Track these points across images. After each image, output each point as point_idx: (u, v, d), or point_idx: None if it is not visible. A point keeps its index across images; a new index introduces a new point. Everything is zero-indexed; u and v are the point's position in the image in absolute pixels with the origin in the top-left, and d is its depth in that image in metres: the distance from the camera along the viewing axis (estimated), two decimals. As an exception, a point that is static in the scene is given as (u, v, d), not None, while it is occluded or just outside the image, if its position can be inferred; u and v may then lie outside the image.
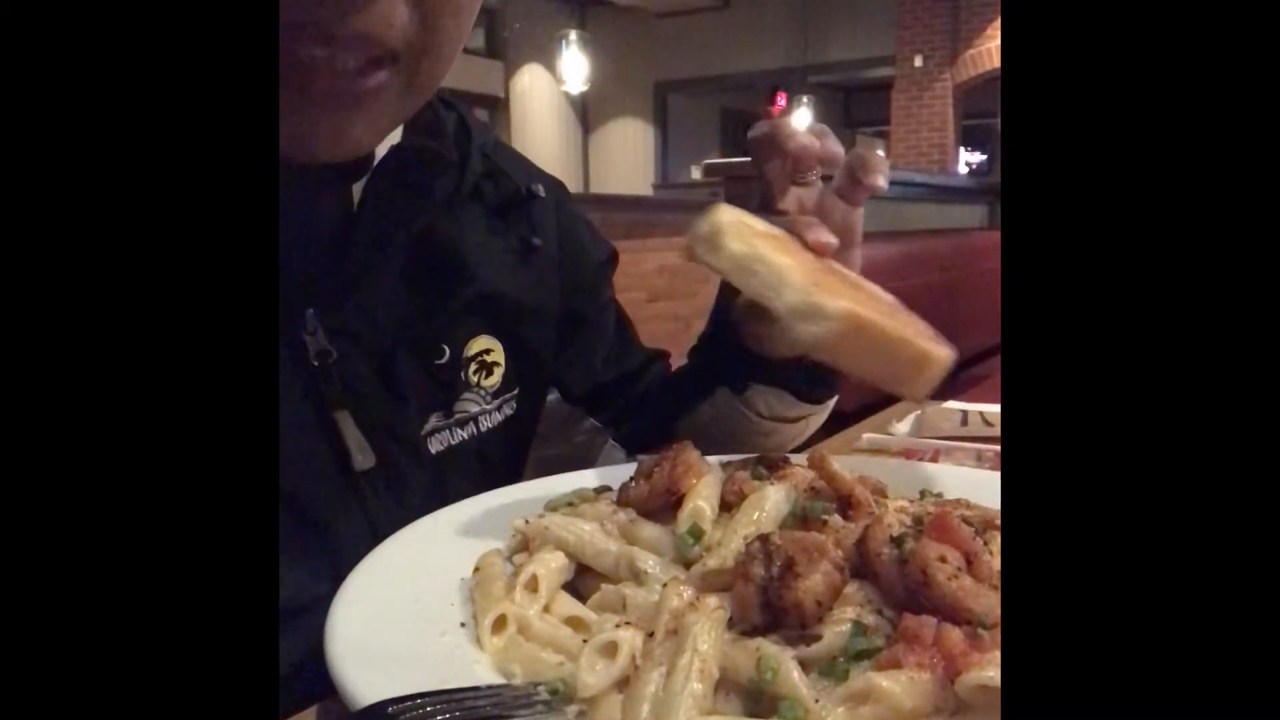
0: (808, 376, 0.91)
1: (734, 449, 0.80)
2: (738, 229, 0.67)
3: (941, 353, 0.69)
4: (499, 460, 0.90)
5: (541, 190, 0.97)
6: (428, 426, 0.84)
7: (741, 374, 0.91)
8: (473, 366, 0.88)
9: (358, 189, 0.78)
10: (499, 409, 0.90)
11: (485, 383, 0.89)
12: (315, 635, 0.54)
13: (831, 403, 0.98)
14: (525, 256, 0.94)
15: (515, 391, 0.92)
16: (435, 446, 0.84)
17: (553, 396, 1.01)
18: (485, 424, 0.89)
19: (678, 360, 1.07)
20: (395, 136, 0.80)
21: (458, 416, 0.87)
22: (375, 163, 0.77)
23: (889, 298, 0.76)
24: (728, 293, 0.88)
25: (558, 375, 1.01)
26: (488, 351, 0.89)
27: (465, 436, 0.87)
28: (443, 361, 0.85)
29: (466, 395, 0.87)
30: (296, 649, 0.55)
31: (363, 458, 0.77)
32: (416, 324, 0.83)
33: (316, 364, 0.75)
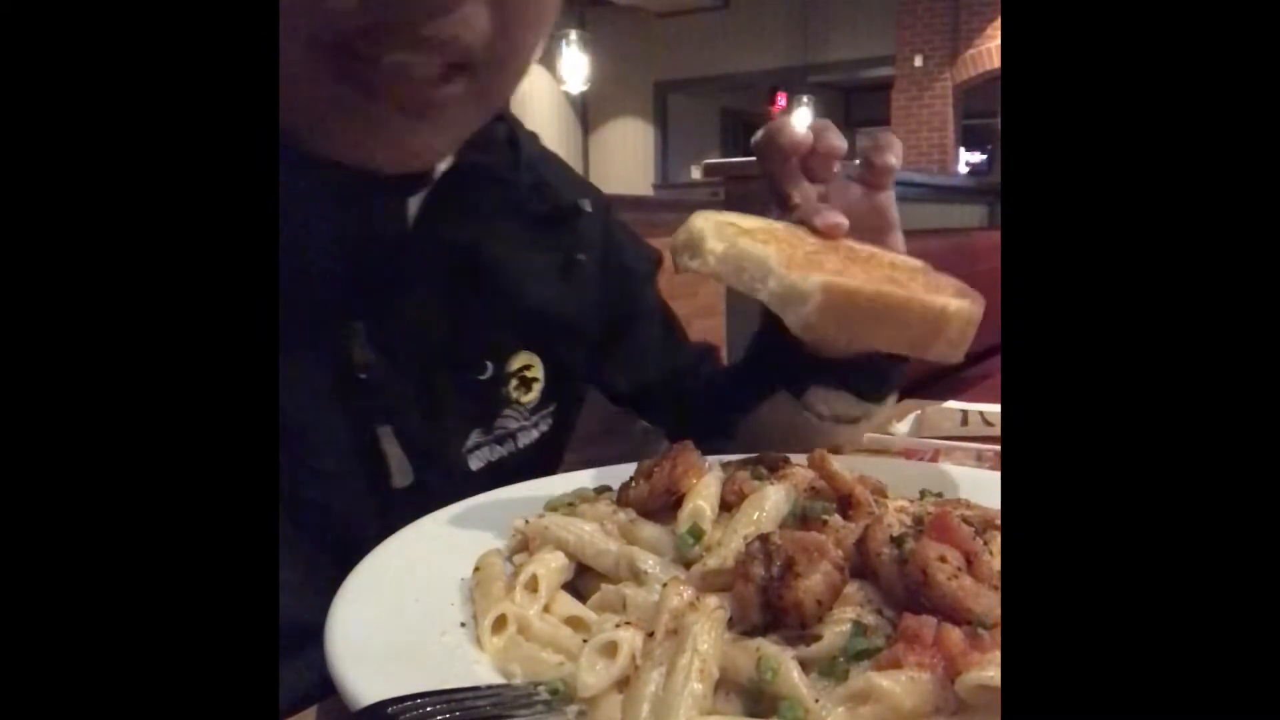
0: (867, 374, 0.90)
1: (796, 449, 0.76)
2: (718, 229, 0.67)
3: (959, 305, 0.65)
4: (533, 476, 0.89)
5: (588, 205, 0.97)
6: (469, 443, 0.84)
7: (799, 375, 0.90)
8: (513, 382, 0.87)
9: (413, 203, 0.77)
10: (535, 425, 0.90)
11: (524, 399, 0.88)
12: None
13: (893, 399, 0.97)
14: (569, 272, 0.93)
15: (551, 408, 0.91)
16: (475, 463, 0.84)
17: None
18: (523, 440, 0.88)
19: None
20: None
21: (497, 433, 0.86)
22: (435, 177, 0.77)
23: (916, 263, 0.74)
24: None
25: (603, 379, 1.00)
26: (527, 367, 0.88)
27: (504, 453, 0.86)
28: (485, 377, 0.84)
29: (507, 411, 0.87)
30: (315, 686, 0.54)
31: (401, 475, 0.76)
32: (460, 339, 0.82)
33: (363, 377, 0.74)
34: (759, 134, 0.81)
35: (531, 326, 0.88)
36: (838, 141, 0.80)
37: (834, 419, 0.92)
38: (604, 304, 0.98)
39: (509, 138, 0.88)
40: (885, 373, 0.91)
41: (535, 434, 0.90)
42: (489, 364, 0.84)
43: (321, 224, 0.70)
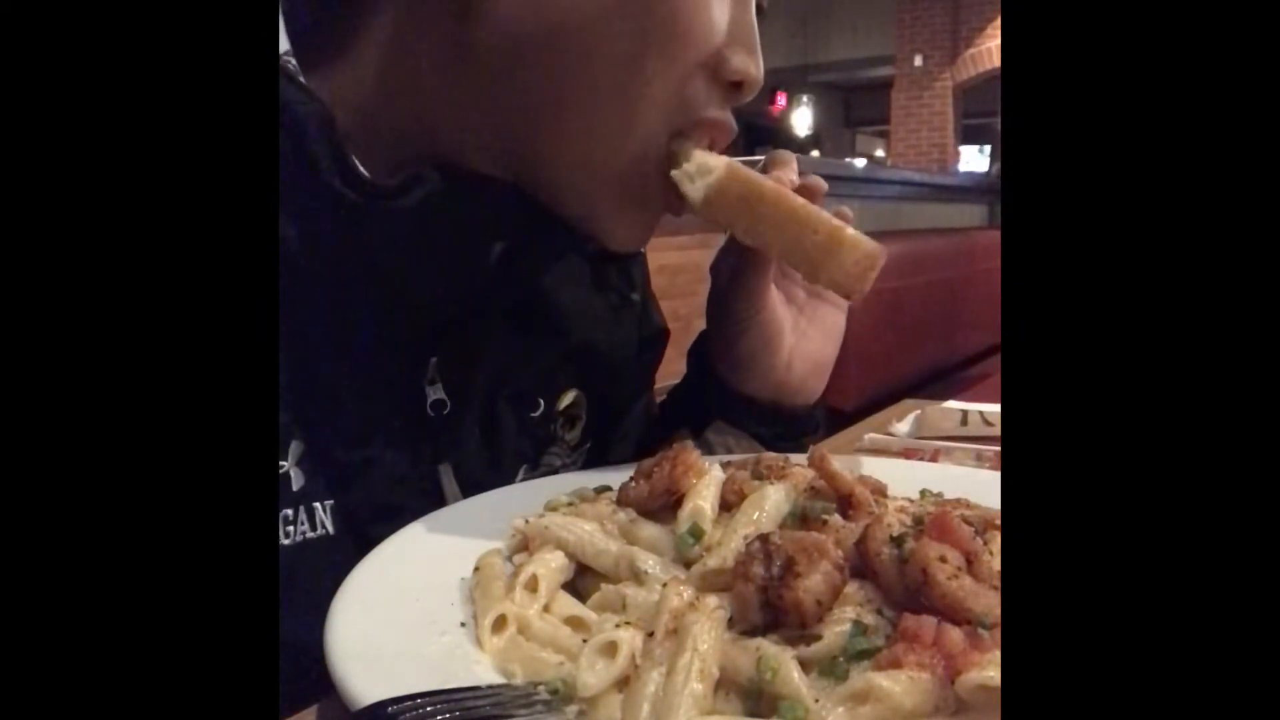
0: (773, 420, 0.88)
1: None
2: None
3: (857, 233, 0.70)
4: None
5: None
6: (518, 480, 0.84)
7: (703, 414, 0.90)
8: (560, 420, 0.87)
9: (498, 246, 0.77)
10: (575, 462, 0.90)
11: (568, 436, 0.89)
12: None
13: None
14: (621, 312, 0.93)
15: (588, 445, 0.91)
16: None
17: None
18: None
19: (676, 357, 1.05)
20: None
21: (543, 470, 0.86)
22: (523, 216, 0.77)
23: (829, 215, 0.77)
24: (718, 278, 0.88)
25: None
26: (574, 405, 0.89)
27: None
28: (537, 414, 0.85)
29: (553, 449, 0.87)
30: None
31: None
32: (516, 376, 0.82)
33: (432, 414, 0.75)
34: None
35: (582, 364, 0.89)
36: (813, 182, 0.81)
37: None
38: (640, 343, 0.98)
39: None
40: (796, 426, 0.90)
41: (575, 470, 0.89)
42: (541, 401, 0.85)
43: (420, 257, 0.71)
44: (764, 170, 0.80)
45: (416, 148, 0.71)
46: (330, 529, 0.70)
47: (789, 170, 0.80)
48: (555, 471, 0.87)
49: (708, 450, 0.89)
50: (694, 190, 0.71)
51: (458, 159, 0.72)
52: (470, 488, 0.77)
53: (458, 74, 0.70)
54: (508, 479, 0.82)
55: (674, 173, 0.72)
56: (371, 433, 0.73)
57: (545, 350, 0.84)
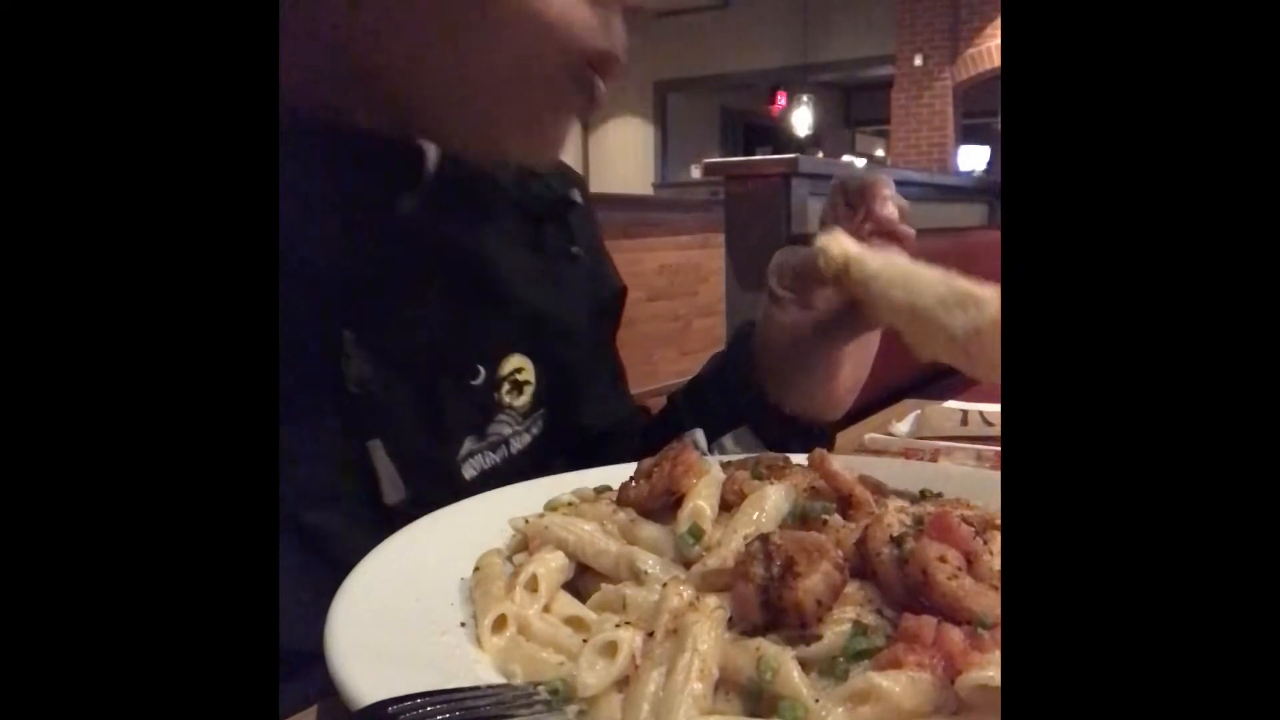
0: (808, 436, 0.87)
1: None
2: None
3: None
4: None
5: (579, 196, 0.94)
6: (463, 451, 0.81)
7: (729, 418, 0.88)
8: (505, 387, 0.85)
9: (405, 204, 0.75)
10: (528, 430, 0.87)
11: (516, 403, 0.86)
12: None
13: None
14: (563, 269, 0.91)
15: (541, 411, 0.89)
16: (469, 472, 0.81)
17: None
18: (516, 446, 0.86)
19: (676, 357, 1.05)
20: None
21: (491, 440, 0.83)
22: (428, 175, 0.74)
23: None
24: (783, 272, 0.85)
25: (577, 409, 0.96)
26: (519, 370, 0.86)
27: (498, 460, 0.84)
28: (478, 383, 0.82)
29: (500, 417, 0.84)
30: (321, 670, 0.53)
31: (393, 490, 0.73)
32: (453, 344, 0.80)
33: (355, 390, 0.71)
34: (854, 178, 0.82)
35: (525, 328, 0.86)
36: (885, 212, 0.79)
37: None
38: (590, 304, 0.95)
39: None
40: (821, 435, 0.89)
41: (528, 438, 0.87)
42: (481, 369, 0.82)
43: (310, 225, 0.67)
44: (860, 196, 0.79)
45: (296, 118, 0.67)
46: None
47: (883, 204, 0.79)
48: (505, 441, 0.84)
49: (721, 453, 0.87)
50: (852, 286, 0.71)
51: (341, 118, 0.70)
52: (410, 462, 0.74)
53: (350, 22, 0.68)
54: (451, 451, 0.79)
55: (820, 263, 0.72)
56: (288, 415, 0.70)
57: (482, 316, 0.82)
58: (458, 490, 0.77)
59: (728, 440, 0.89)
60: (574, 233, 0.93)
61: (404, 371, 0.75)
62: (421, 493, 0.74)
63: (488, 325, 0.83)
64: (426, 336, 0.77)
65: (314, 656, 0.50)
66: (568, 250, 0.92)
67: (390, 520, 0.69)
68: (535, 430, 0.88)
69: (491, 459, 0.83)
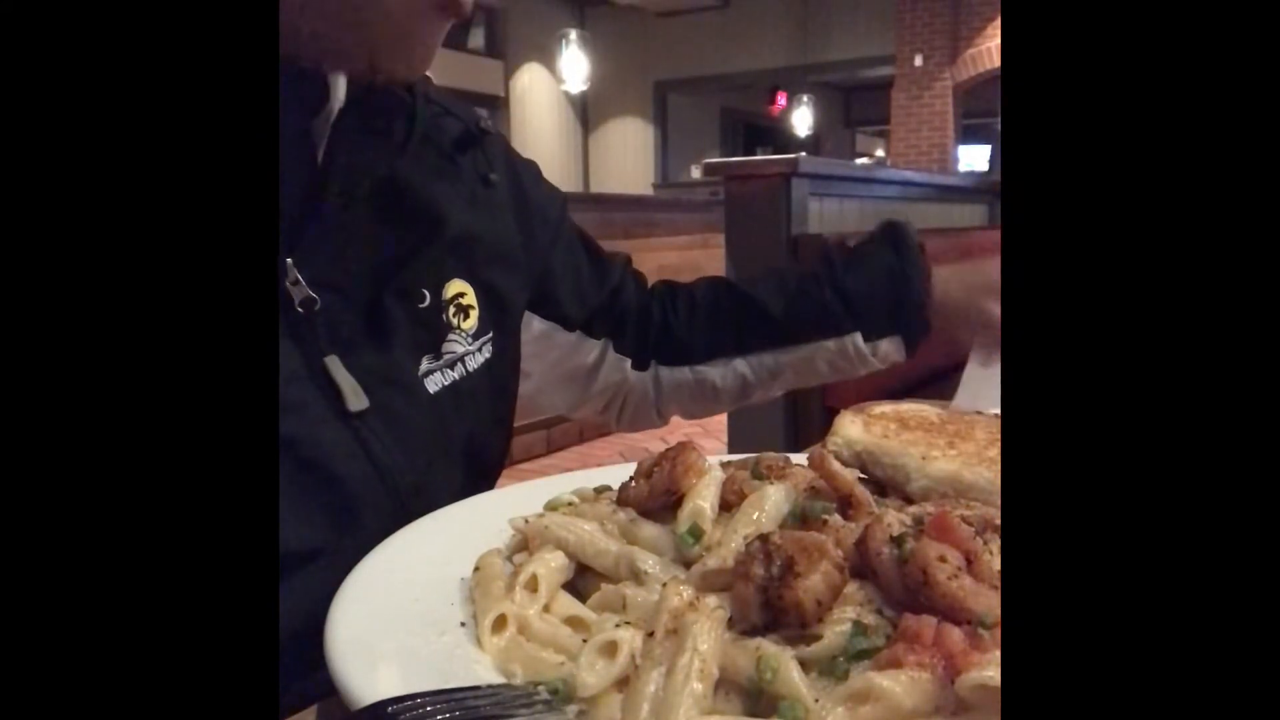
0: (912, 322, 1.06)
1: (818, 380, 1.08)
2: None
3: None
4: (489, 400, 0.93)
5: (489, 125, 0.99)
6: (422, 368, 0.86)
7: (841, 324, 1.04)
8: (451, 309, 0.90)
9: (318, 134, 0.79)
10: (480, 350, 0.92)
11: (464, 325, 0.91)
12: (313, 596, 0.54)
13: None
14: (483, 195, 0.96)
15: (490, 335, 0.94)
16: (432, 387, 0.86)
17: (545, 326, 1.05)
18: (471, 364, 0.91)
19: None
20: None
21: (446, 357, 0.89)
22: (335, 107, 0.78)
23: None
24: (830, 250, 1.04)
25: (549, 308, 1.05)
26: (462, 295, 0.91)
27: (456, 376, 0.89)
28: (425, 305, 0.87)
29: (451, 336, 0.89)
30: (295, 615, 0.55)
31: (356, 399, 0.78)
32: (396, 270, 0.85)
33: (301, 311, 0.77)
34: None
35: (461, 253, 0.91)
36: None
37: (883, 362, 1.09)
38: (522, 228, 1.01)
39: None
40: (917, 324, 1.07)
41: (481, 358, 0.92)
42: (426, 292, 0.87)
43: None
44: None
45: None
46: None
47: None
48: (460, 359, 0.90)
49: (877, 356, 1.07)
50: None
51: None
52: (369, 376, 0.79)
53: None
54: (409, 369, 0.85)
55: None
56: None
57: (414, 241, 0.87)
58: (426, 401, 0.84)
59: (884, 344, 1.07)
60: (490, 159, 0.98)
61: (349, 295, 0.81)
62: (386, 403, 0.80)
63: (424, 251, 0.88)
64: (366, 263, 0.82)
65: (314, 657, 0.51)
66: (486, 177, 0.96)
67: (359, 428, 0.78)
68: (487, 352, 0.94)
69: (451, 375, 0.89)
